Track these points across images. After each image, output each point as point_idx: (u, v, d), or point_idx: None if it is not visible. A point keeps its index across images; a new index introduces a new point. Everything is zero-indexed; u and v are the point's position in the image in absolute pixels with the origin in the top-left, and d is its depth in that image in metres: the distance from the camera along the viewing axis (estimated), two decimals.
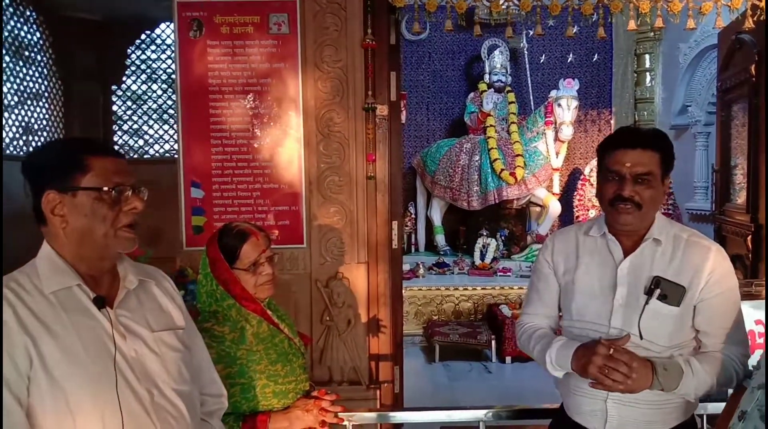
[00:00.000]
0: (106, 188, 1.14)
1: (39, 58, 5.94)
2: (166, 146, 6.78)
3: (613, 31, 6.68)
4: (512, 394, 4.43)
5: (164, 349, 1.21)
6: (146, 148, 6.82)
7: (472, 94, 7.14)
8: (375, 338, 2.95)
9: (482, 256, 6.35)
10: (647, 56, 6.59)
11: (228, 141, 2.86)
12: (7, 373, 1.04)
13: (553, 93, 6.45)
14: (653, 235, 1.51)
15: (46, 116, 6.06)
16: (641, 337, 1.45)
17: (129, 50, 6.60)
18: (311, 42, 2.83)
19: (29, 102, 5.78)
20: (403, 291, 4.38)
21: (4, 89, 5.37)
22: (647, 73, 6.60)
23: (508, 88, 6.97)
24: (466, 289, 5.82)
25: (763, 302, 2.52)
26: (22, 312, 1.08)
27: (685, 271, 1.48)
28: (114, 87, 6.65)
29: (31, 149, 5.72)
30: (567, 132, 6.33)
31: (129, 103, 6.75)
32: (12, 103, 5.54)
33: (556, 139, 6.47)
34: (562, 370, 1.54)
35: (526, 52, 7.14)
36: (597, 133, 7.30)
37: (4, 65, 5.31)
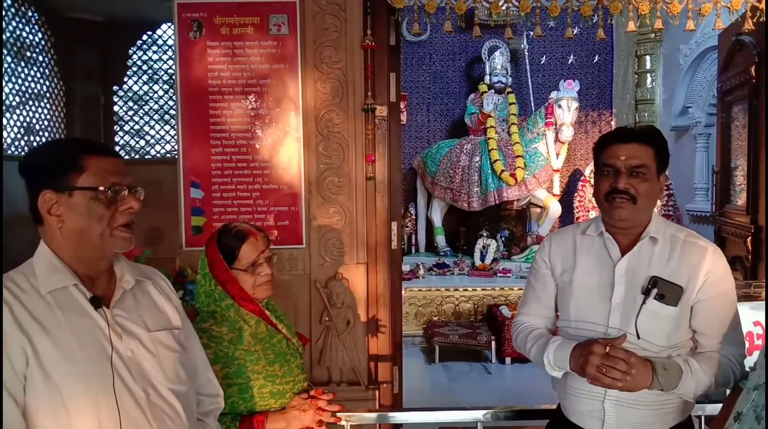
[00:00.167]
0: (102, 188, 1.14)
1: (40, 58, 5.95)
2: (168, 147, 6.78)
3: (614, 32, 6.68)
4: (512, 395, 4.42)
5: (161, 349, 1.21)
6: (147, 149, 6.81)
7: (472, 95, 7.14)
8: (374, 339, 2.95)
9: (482, 257, 6.35)
10: (648, 57, 6.57)
11: (228, 141, 2.86)
12: (3, 372, 1.04)
13: (554, 94, 6.45)
14: (650, 234, 1.52)
15: (48, 117, 6.06)
16: (638, 337, 1.45)
17: (130, 51, 6.60)
18: (311, 43, 2.83)
19: (31, 102, 5.78)
20: (403, 292, 4.38)
21: (6, 90, 5.38)
22: (648, 75, 6.59)
23: (509, 89, 6.96)
24: (466, 290, 5.82)
25: (762, 303, 2.52)
26: (19, 311, 1.08)
27: (682, 272, 1.48)
28: (115, 87, 6.65)
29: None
30: (567, 133, 6.34)
31: (130, 103, 6.74)
32: (14, 103, 5.54)
33: (557, 140, 6.47)
34: (561, 371, 1.54)
35: (526, 53, 7.14)
36: (597, 135, 7.26)
37: (6, 66, 5.32)
